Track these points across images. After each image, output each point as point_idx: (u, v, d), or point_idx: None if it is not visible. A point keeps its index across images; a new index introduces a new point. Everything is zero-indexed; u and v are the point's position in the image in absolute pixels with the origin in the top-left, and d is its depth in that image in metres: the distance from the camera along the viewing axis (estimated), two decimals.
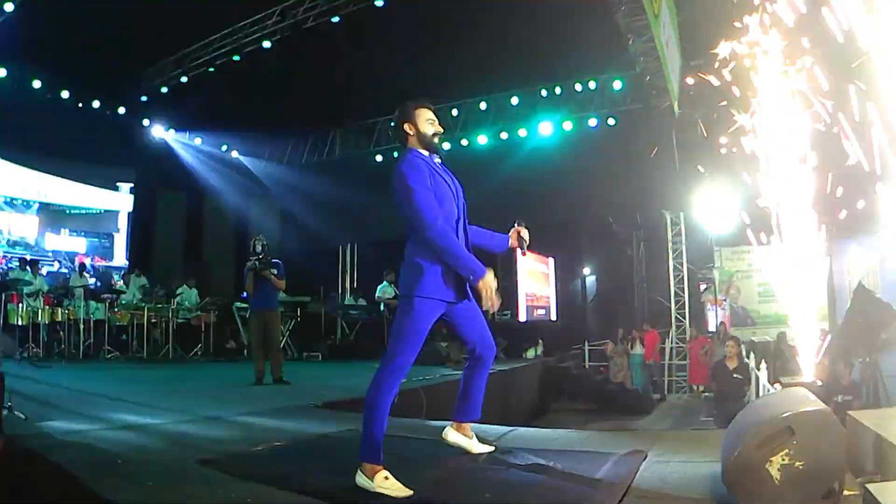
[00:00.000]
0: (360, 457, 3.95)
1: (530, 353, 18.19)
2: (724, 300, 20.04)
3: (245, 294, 10.99)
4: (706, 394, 17.67)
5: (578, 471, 4.40)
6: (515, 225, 4.80)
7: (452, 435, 4.84)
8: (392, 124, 4.61)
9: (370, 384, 4.13)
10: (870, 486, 2.58)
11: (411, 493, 3.77)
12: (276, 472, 4.33)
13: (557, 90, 20.25)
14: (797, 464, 3.27)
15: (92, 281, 18.12)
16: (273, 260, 10.74)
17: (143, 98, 20.14)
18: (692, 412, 16.13)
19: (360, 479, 3.89)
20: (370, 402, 4.07)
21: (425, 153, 4.45)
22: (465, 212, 4.50)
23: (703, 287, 21.25)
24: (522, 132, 20.95)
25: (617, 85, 19.48)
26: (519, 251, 4.82)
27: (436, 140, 4.50)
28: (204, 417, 6.63)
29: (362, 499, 3.74)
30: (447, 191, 4.37)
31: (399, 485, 3.81)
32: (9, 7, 14.07)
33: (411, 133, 4.48)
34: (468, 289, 4.41)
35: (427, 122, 4.48)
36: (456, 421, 4.86)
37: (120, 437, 5.39)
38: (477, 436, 4.92)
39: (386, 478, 3.84)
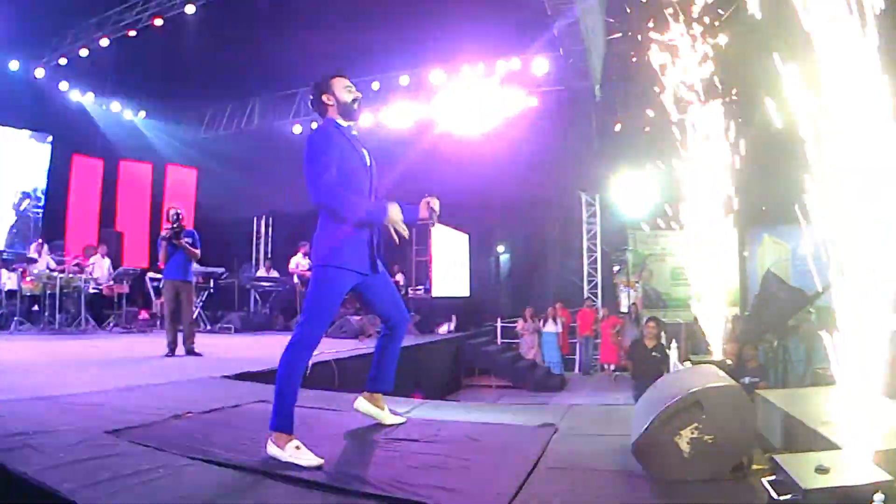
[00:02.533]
0: (270, 426, 3.94)
1: (443, 329, 18.25)
2: (637, 282, 20.41)
3: (159, 264, 10.75)
4: (617, 373, 18.01)
5: (490, 443, 4.44)
6: (427, 197, 4.73)
7: (364, 405, 4.84)
8: (311, 97, 4.54)
9: (282, 354, 4.10)
10: (777, 457, 2.67)
11: (321, 462, 3.76)
12: (187, 442, 4.26)
13: (480, 68, 20.23)
14: (706, 437, 3.37)
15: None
16: (187, 230, 10.57)
17: (62, 61, 19.45)
18: (604, 390, 16.42)
19: (272, 448, 3.88)
20: (282, 371, 4.05)
21: (343, 123, 4.43)
22: (377, 184, 4.51)
23: (616, 268, 21.60)
24: (442, 109, 20.86)
25: (539, 65, 19.56)
26: (430, 222, 4.79)
27: (355, 106, 4.49)
28: (115, 388, 6.50)
29: (273, 469, 3.71)
30: (359, 163, 4.37)
31: (310, 454, 3.80)
32: None
33: (330, 103, 4.46)
34: (381, 260, 4.42)
35: (344, 89, 4.47)
36: (368, 391, 4.86)
37: (30, 408, 5.24)
38: (388, 408, 4.94)
39: (297, 447, 3.83)
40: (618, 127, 17.40)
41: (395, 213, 4.22)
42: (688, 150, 6.83)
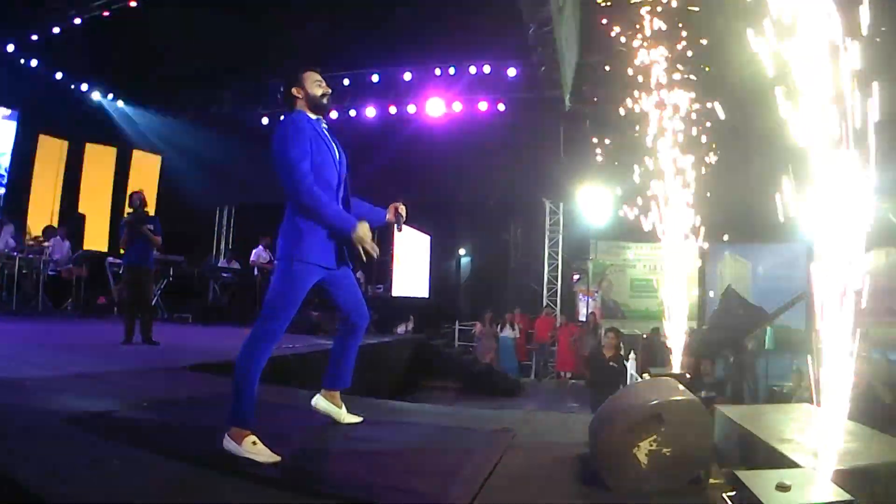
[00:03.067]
0: (226, 420, 3.86)
1: (401, 329, 18.25)
2: (597, 292, 20.55)
3: (121, 249, 10.61)
4: (573, 381, 18.12)
5: (447, 446, 4.46)
6: (395, 202, 4.76)
7: (322, 402, 4.79)
8: (280, 89, 4.50)
9: (242, 347, 4.04)
10: (738, 473, 2.67)
11: (279, 459, 3.72)
12: (142, 434, 4.24)
13: (451, 70, 20.27)
14: (664, 450, 3.38)
15: None
16: (150, 216, 10.45)
17: (34, 37, 19.10)
18: (559, 397, 16.51)
19: (228, 443, 3.80)
20: (241, 365, 3.98)
21: (312, 116, 4.39)
22: (346, 180, 4.47)
23: (576, 277, 21.72)
24: (412, 108, 20.88)
25: (511, 71, 19.63)
26: (395, 227, 4.78)
27: (325, 101, 4.46)
28: (71, 375, 6.42)
29: (229, 463, 3.66)
30: (329, 157, 4.33)
31: (267, 451, 3.75)
32: None
33: (299, 96, 4.41)
34: (346, 255, 4.38)
35: (315, 83, 4.43)
36: (326, 388, 4.82)
37: None
38: (346, 406, 4.90)
39: (254, 443, 3.77)
40: (591, 138, 17.52)
41: (363, 230, 4.20)
42: (655, 163, 6.87)
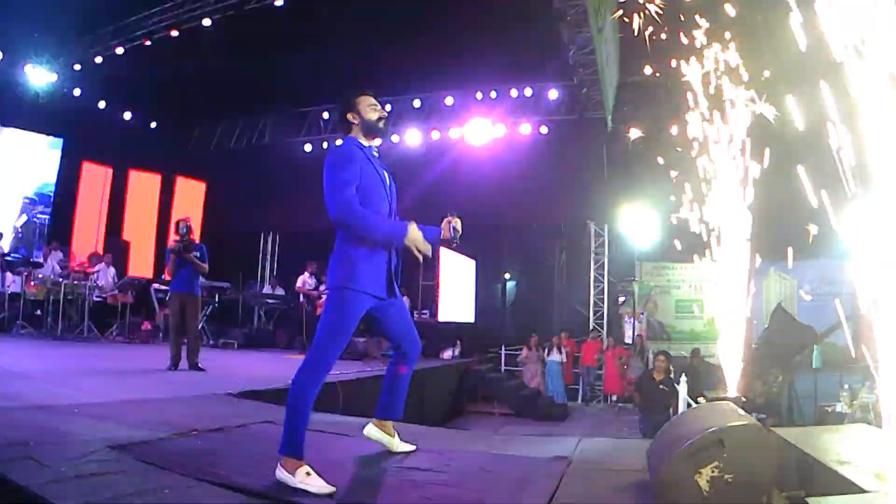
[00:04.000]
0: (280, 450, 3.85)
1: (447, 354, 18.20)
2: (642, 313, 20.38)
3: (165, 276, 10.73)
4: (620, 404, 17.94)
5: (503, 475, 4.39)
6: (448, 216, 4.69)
7: (374, 432, 4.77)
8: (332, 115, 4.52)
9: (295, 377, 4.03)
10: (811, 500, 2.61)
11: (334, 489, 3.69)
12: (192, 462, 4.19)
13: (493, 94, 20.32)
14: (727, 476, 3.32)
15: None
16: (197, 243, 10.58)
17: (77, 67, 19.49)
18: (608, 421, 16.33)
19: (281, 473, 3.78)
20: (295, 394, 3.97)
21: (364, 142, 4.40)
22: (396, 206, 4.48)
23: (621, 299, 21.55)
24: (454, 133, 20.95)
25: (552, 94, 19.67)
26: (451, 243, 4.72)
27: (380, 125, 4.47)
28: (117, 401, 6.42)
29: (283, 494, 3.64)
30: (379, 182, 4.33)
31: (322, 481, 3.72)
32: None
33: (355, 122, 4.42)
34: (396, 286, 4.38)
35: (370, 107, 4.44)
36: (378, 418, 4.79)
37: (32, 417, 5.17)
38: (399, 434, 4.86)
39: (308, 473, 3.75)
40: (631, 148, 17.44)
41: (414, 231, 4.19)
42: (701, 184, 6.80)
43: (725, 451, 3.35)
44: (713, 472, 3.34)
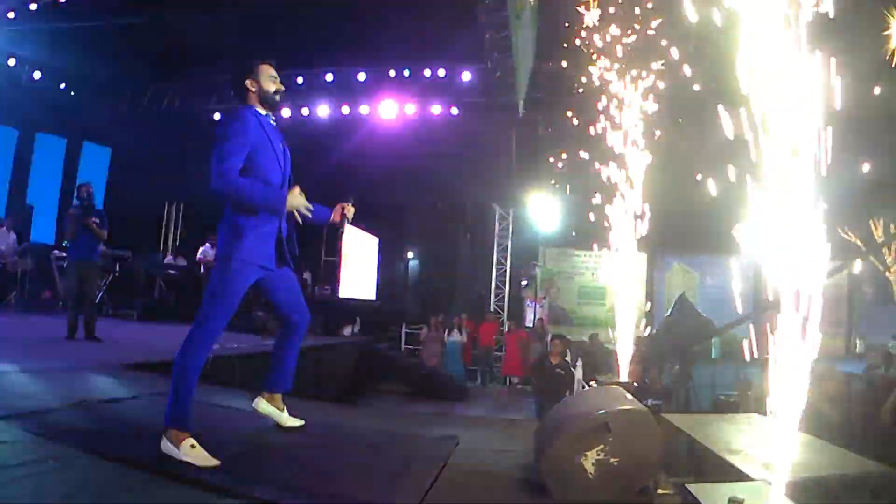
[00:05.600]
0: (166, 422, 3.74)
1: (346, 331, 18.11)
2: (544, 298, 20.62)
3: (66, 242, 10.35)
4: (520, 385, 18.12)
5: (390, 452, 4.37)
6: (346, 202, 4.70)
7: (263, 405, 4.66)
8: (232, 79, 4.36)
9: (180, 347, 3.92)
10: (690, 487, 2.61)
11: (217, 463, 3.60)
12: (80, 433, 4.09)
13: (406, 72, 20.20)
14: (612, 460, 3.33)
15: None
16: (96, 209, 10.17)
17: None
18: (505, 403, 16.48)
19: (166, 445, 3.68)
20: (180, 365, 3.86)
21: (262, 111, 4.28)
22: (290, 178, 4.36)
23: (523, 283, 21.77)
24: (365, 109, 20.78)
25: (466, 76, 19.63)
26: (339, 229, 4.79)
27: (277, 98, 4.34)
28: (8, 370, 6.19)
29: (167, 467, 3.54)
30: (272, 154, 4.21)
31: (205, 454, 3.63)
32: None
33: (252, 90, 4.28)
34: (287, 255, 4.29)
35: (270, 78, 4.31)
36: (267, 391, 4.69)
37: None
38: (288, 410, 4.77)
39: (192, 446, 3.65)
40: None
41: (294, 197, 4.09)
42: (605, 172, 6.85)
43: (611, 435, 3.35)
44: (598, 454, 3.35)
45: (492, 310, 21.05)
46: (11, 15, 17.90)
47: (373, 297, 22.21)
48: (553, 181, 18.45)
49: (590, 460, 3.34)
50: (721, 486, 2.61)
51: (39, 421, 4.28)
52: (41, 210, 20.24)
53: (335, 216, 4.65)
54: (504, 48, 16.74)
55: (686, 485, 2.71)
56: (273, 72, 4.34)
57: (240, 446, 4.25)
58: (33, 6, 17.49)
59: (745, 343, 4.03)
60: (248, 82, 4.28)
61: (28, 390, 5.30)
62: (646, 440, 3.39)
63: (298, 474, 3.66)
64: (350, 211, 4.68)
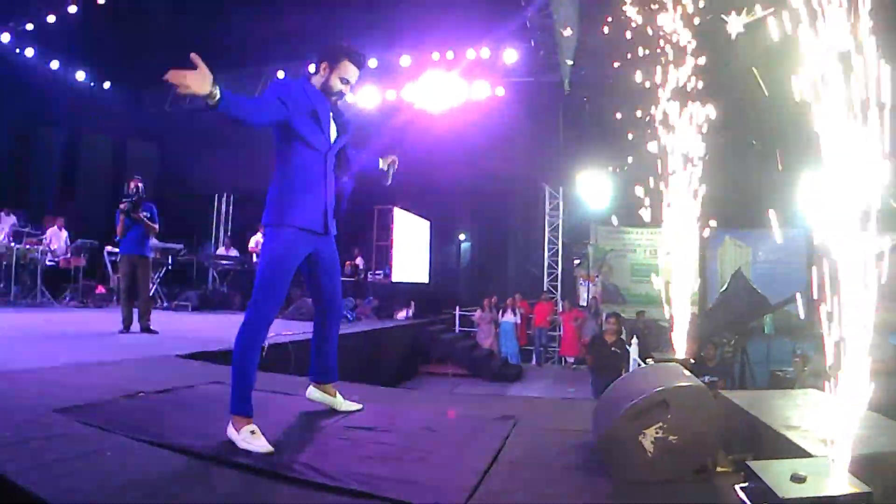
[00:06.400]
0: (230, 409, 3.82)
1: (401, 314, 18.20)
2: (597, 276, 20.51)
3: (117, 237, 10.54)
4: (575, 365, 18.06)
5: (448, 434, 4.36)
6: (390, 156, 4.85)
7: (316, 393, 4.72)
8: (316, 56, 4.36)
9: (237, 335, 3.97)
10: (751, 464, 2.59)
11: (272, 450, 3.64)
12: (137, 423, 4.13)
13: (449, 54, 20.11)
14: (671, 437, 3.30)
15: None
16: (146, 203, 10.33)
17: (29, 26, 18.96)
18: (562, 382, 16.43)
19: (231, 431, 3.76)
20: (237, 353, 3.93)
21: (316, 88, 4.28)
22: (338, 150, 4.40)
23: (576, 262, 21.67)
24: (410, 94, 20.75)
25: (509, 56, 19.48)
26: (385, 178, 4.87)
27: (334, 98, 4.32)
28: (67, 364, 6.35)
29: (224, 454, 3.60)
30: (314, 122, 4.18)
31: (263, 441, 3.68)
32: None
33: (321, 73, 4.29)
34: (333, 224, 4.32)
35: (342, 78, 4.29)
36: (314, 383, 4.73)
37: None
38: (345, 394, 4.81)
39: (252, 432, 3.71)
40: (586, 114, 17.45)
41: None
42: (657, 146, 6.76)
43: (669, 412, 3.32)
44: (657, 432, 3.31)
45: (545, 289, 21.00)
46: (52, 18, 18.21)
47: (426, 280, 22.28)
48: (601, 158, 18.28)
49: (648, 438, 3.32)
50: (782, 463, 2.57)
51: (96, 413, 4.36)
52: (91, 208, 20.55)
53: (383, 164, 4.79)
54: (546, 26, 16.61)
55: (747, 462, 2.68)
56: (351, 72, 4.33)
57: (297, 432, 4.30)
58: (73, 9, 17.75)
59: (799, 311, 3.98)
60: (322, 64, 4.29)
61: (84, 383, 5.41)
62: (704, 417, 3.35)
63: (354, 458, 3.66)
64: (396, 162, 4.87)
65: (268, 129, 4.10)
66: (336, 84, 4.28)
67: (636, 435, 3.34)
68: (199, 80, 3.61)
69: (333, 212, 4.30)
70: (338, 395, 4.75)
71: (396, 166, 4.85)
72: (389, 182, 4.86)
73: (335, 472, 3.36)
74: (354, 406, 4.77)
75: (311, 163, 4.16)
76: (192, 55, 3.64)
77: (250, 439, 3.68)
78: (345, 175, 4.43)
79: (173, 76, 3.55)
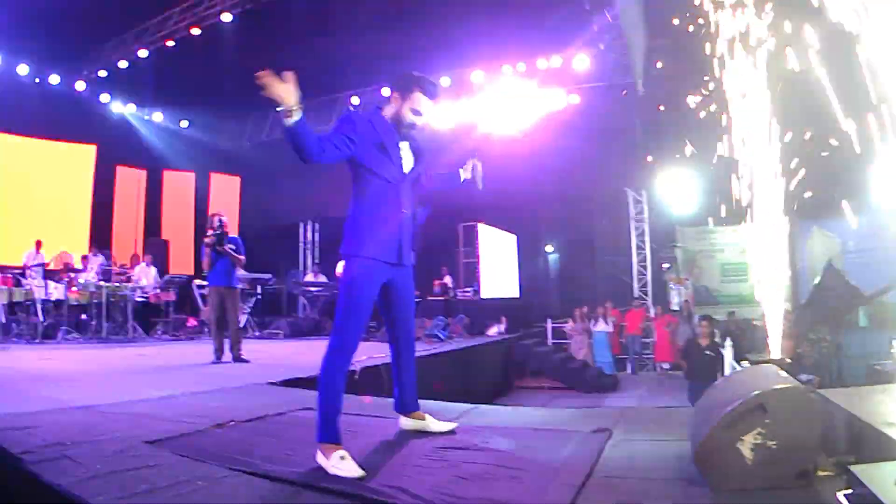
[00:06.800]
0: (317, 437, 3.85)
1: (493, 330, 18.14)
2: (687, 279, 20.15)
3: (204, 271, 10.82)
4: (670, 371, 17.75)
5: (542, 450, 4.28)
6: (469, 160, 4.82)
7: (406, 422, 4.70)
8: (363, 100, 4.41)
9: (321, 363, 4.02)
10: (854, 469, 2.48)
11: (363, 473, 3.63)
12: (227, 452, 4.18)
13: (521, 66, 20.09)
14: (770, 443, 3.19)
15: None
16: (231, 236, 10.57)
17: (103, 73, 19.65)
18: (658, 390, 16.15)
19: (320, 458, 3.77)
20: (322, 380, 3.97)
21: (386, 120, 4.29)
22: (413, 178, 4.38)
23: (665, 266, 21.35)
24: (484, 108, 20.76)
25: (581, 62, 19.35)
26: (474, 183, 4.85)
27: (404, 130, 4.32)
28: (158, 397, 6.48)
29: (313, 480, 3.60)
30: (383, 153, 4.19)
31: (353, 465, 3.68)
32: None
33: (393, 104, 4.30)
34: (408, 253, 4.30)
35: (414, 111, 4.29)
36: (400, 413, 4.73)
37: (70, 418, 5.21)
38: (438, 414, 4.80)
39: (342, 457, 3.71)
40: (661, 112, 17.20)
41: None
42: (734, 141, 6.63)
43: (767, 417, 3.21)
44: (756, 438, 3.21)
45: (636, 296, 20.73)
46: (124, 64, 18.80)
47: (516, 294, 22.20)
48: (682, 157, 17.96)
49: (747, 445, 3.21)
50: (885, 466, 2.46)
51: (188, 443, 4.43)
52: (177, 243, 21.13)
53: (465, 173, 4.82)
54: (614, 28, 16.47)
55: (849, 466, 2.57)
56: (424, 104, 4.31)
57: (389, 455, 4.25)
58: (143, 53, 18.30)
59: None
60: (394, 95, 4.31)
61: (175, 414, 5.48)
62: (803, 420, 3.23)
63: (447, 479, 3.63)
64: (479, 164, 4.89)
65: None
66: (408, 116, 4.28)
67: (734, 442, 3.24)
68: (286, 90, 3.80)
69: (410, 243, 4.30)
70: (427, 416, 4.72)
71: (480, 168, 4.85)
72: (481, 186, 4.84)
73: (427, 494, 3.34)
74: (447, 426, 4.74)
75: (384, 194, 4.18)
76: (285, 73, 3.81)
77: (340, 464, 3.68)
78: (419, 204, 4.43)
79: (265, 76, 3.73)
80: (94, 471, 3.64)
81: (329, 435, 3.83)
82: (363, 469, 3.67)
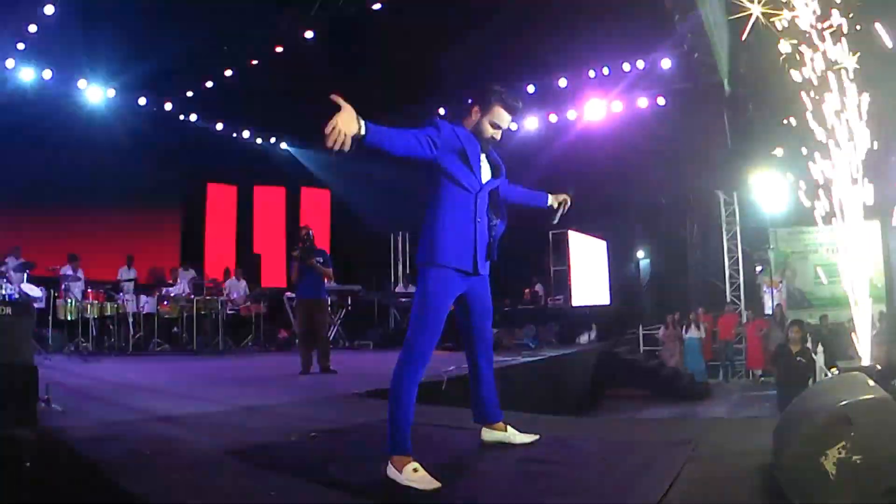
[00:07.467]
0: (387, 449, 3.80)
1: (583, 338, 17.98)
2: (781, 282, 19.64)
3: (293, 283, 11.05)
4: (763, 378, 17.32)
5: (623, 461, 4.23)
6: (566, 193, 4.83)
7: (487, 435, 4.64)
8: (448, 111, 4.39)
9: (393, 373, 3.97)
10: None
11: (439, 485, 3.59)
12: (304, 463, 4.24)
13: (605, 71, 19.90)
14: (855, 458, 3.02)
15: None
16: (318, 249, 10.74)
17: (189, 93, 20.15)
18: (749, 398, 15.77)
19: (391, 470, 3.73)
20: (393, 392, 3.92)
21: (467, 131, 4.27)
22: (488, 189, 4.30)
23: (758, 269, 20.86)
24: (572, 114, 20.67)
25: (666, 64, 19.08)
26: (553, 217, 4.86)
27: (485, 143, 4.31)
28: (243, 407, 6.61)
29: (388, 492, 3.59)
30: (464, 163, 4.15)
31: (429, 477, 3.63)
32: (49, 10, 14.36)
33: (473, 118, 4.29)
34: (485, 261, 4.24)
35: (493, 125, 4.29)
36: (482, 426, 4.68)
37: (154, 428, 5.38)
38: (522, 426, 4.72)
39: (415, 470, 3.67)
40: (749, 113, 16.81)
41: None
42: (824, 139, 6.43)
43: (853, 430, 3.04)
44: (840, 453, 3.03)
45: (729, 300, 20.28)
46: (210, 84, 19.23)
47: (607, 301, 21.97)
48: (772, 157, 17.52)
49: (830, 460, 3.04)
50: None
51: (267, 454, 4.50)
52: (269, 257, 21.52)
53: (553, 202, 4.81)
54: (697, 28, 16.16)
55: None
56: (503, 118, 4.31)
57: (468, 467, 4.27)
58: (228, 73, 18.69)
59: None
60: (474, 108, 4.29)
61: (259, 425, 5.60)
62: (893, 432, 3.06)
63: (526, 491, 3.62)
64: (568, 202, 4.84)
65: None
66: (487, 129, 4.28)
67: (817, 457, 3.08)
68: (347, 121, 3.63)
69: (486, 252, 4.25)
70: (509, 428, 4.66)
71: (568, 207, 4.81)
72: (556, 222, 4.79)
73: None
74: (529, 438, 4.66)
75: (462, 202, 4.14)
76: (332, 96, 3.65)
77: (413, 476, 3.65)
78: (497, 218, 4.36)
79: (328, 131, 3.60)
80: (171, 480, 3.75)
81: (400, 447, 3.78)
82: (440, 481, 3.63)
